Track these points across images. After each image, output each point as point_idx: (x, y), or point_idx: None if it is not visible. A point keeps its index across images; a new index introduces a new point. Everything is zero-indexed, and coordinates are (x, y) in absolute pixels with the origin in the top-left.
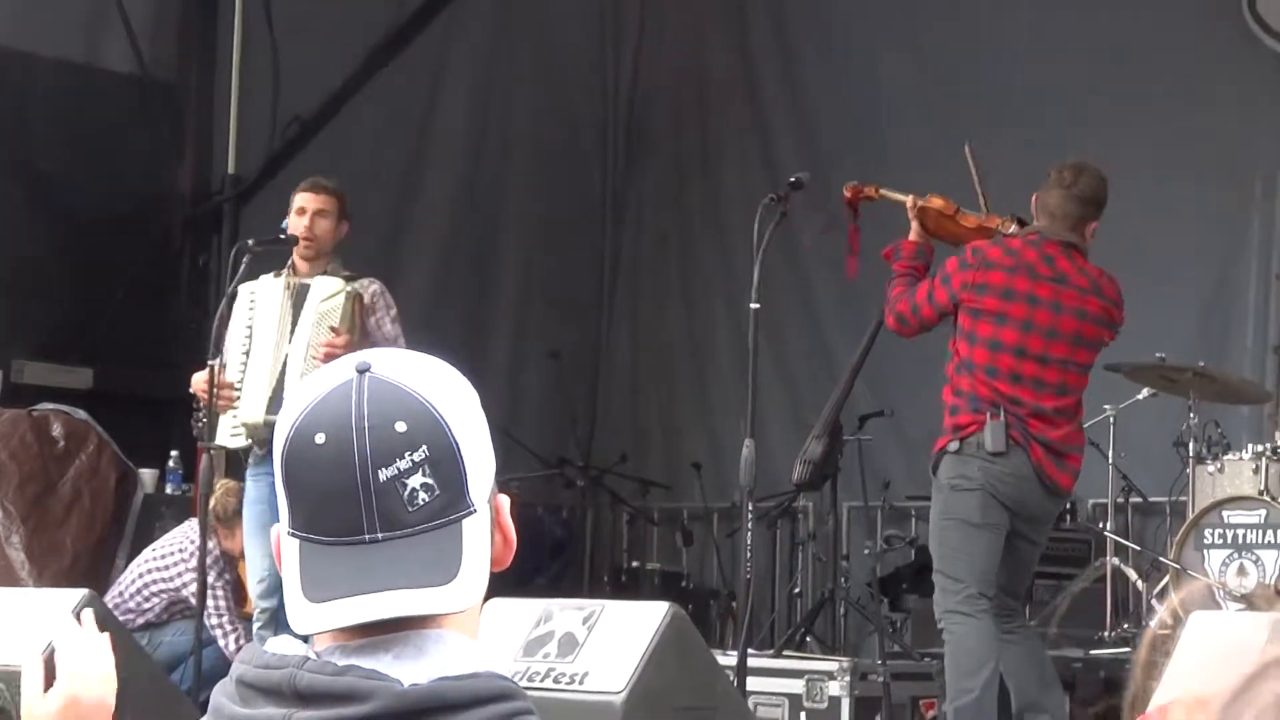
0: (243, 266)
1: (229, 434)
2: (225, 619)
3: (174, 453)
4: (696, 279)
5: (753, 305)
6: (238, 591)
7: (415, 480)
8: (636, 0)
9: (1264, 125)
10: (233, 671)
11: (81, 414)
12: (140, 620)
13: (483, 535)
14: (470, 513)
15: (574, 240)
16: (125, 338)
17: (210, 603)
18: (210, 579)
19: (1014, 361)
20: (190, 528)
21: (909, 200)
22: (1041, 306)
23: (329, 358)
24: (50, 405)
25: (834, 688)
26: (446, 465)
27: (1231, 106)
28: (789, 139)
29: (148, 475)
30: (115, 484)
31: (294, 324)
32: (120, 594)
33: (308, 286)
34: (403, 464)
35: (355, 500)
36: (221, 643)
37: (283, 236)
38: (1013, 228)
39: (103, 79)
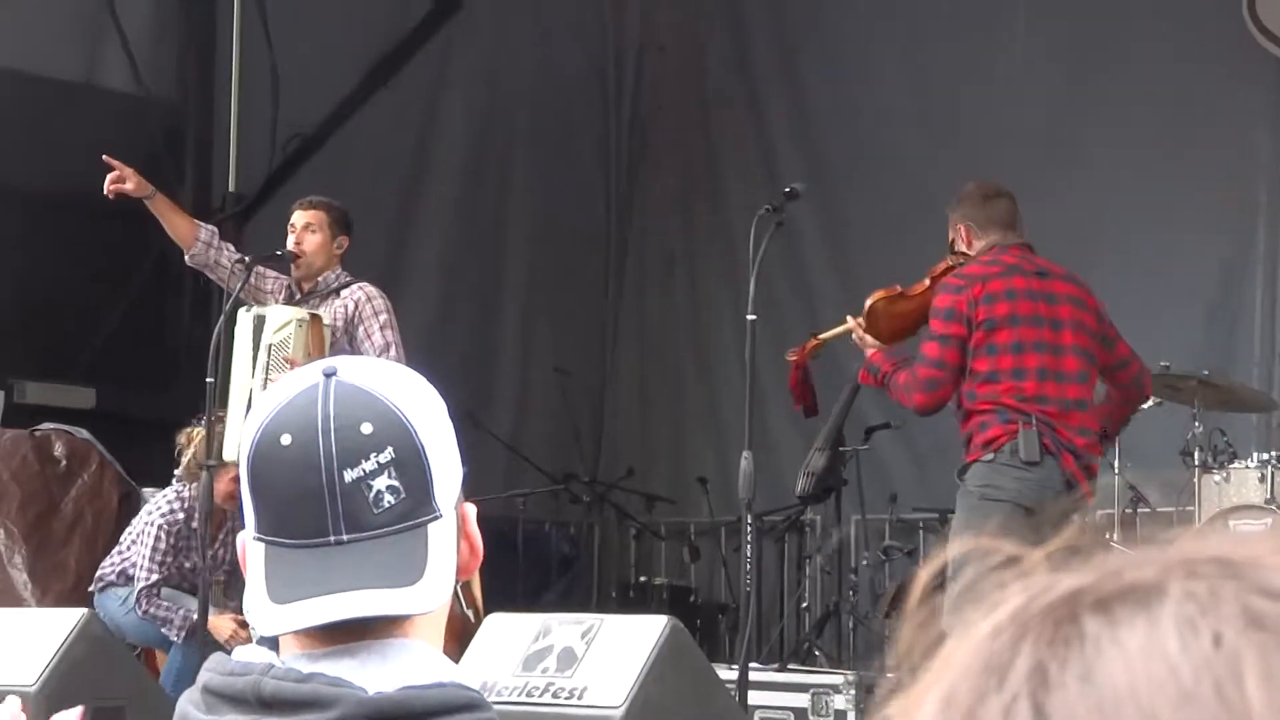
0: (240, 284)
1: None
2: (144, 567)
3: (176, 472)
4: (702, 292)
5: (749, 317)
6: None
7: (381, 482)
8: (637, 16)
9: (1267, 130)
10: (199, 679)
11: (84, 434)
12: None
13: (448, 541)
14: (436, 518)
15: (578, 256)
16: (127, 357)
17: (141, 548)
18: (156, 527)
19: (1039, 357)
20: (153, 503)
21: (851, 325)
22: (1040, 299)
23: None
24: (52, 425)
25: (839, 701)
26: (412, 468)
27: (1234, 112)
28: (792, 153)
29: (150, 495)
30: (117, 504)
31: (255, 357)
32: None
33: (263, 318)
34: (368, 465)
35: (320, 501)
36: (138, 582)
37: (279, 253)
38: (950, 260)
39: (101, 98)
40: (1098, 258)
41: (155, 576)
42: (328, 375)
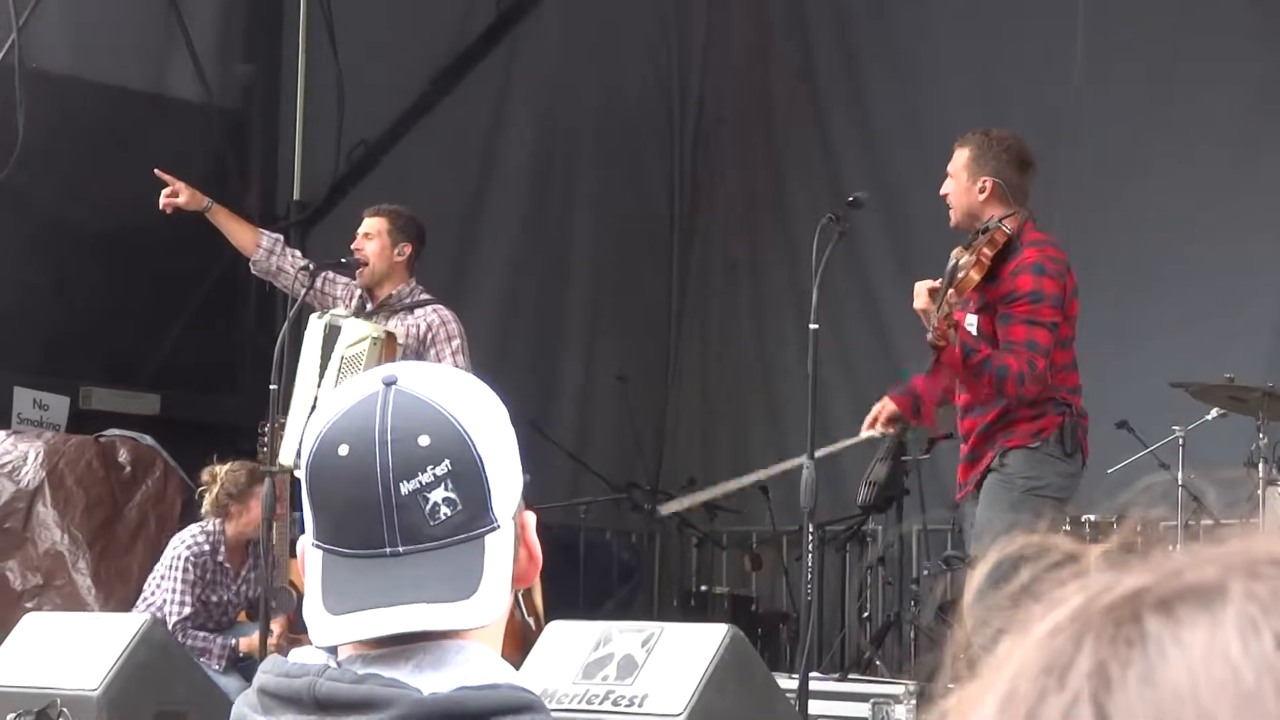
0: (304, 291)
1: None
2: (174, 601)
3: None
4: (766, 301)
5: (811, 326)
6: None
7: (437, 494)
8: (702, 25)
9: None
10: (256, 681)
11: (148, 440)
12: None
13: (506, 551)
14: (493, 528)
15: (642, 264)
16: (192, 364)
17: (169, 584)
18: (183, 560)
19: (1075, 350)
20: (176, 539)
21: (956, 303)
22: None
23: None
24: (117, 431)
25: (900, 711)
26: (469, 480)
27: None
28: (856, 162)
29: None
30: (181, 510)
31: (323, 366)
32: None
33: (339, 329)
34: (425, 477)
35: (376, 513)
36: (170, 616)
37: (342, 260)
38: (1004, 230)
39: (168, 106)
40: (1165, 269)
41: (188, 610)
42: (387, 384)
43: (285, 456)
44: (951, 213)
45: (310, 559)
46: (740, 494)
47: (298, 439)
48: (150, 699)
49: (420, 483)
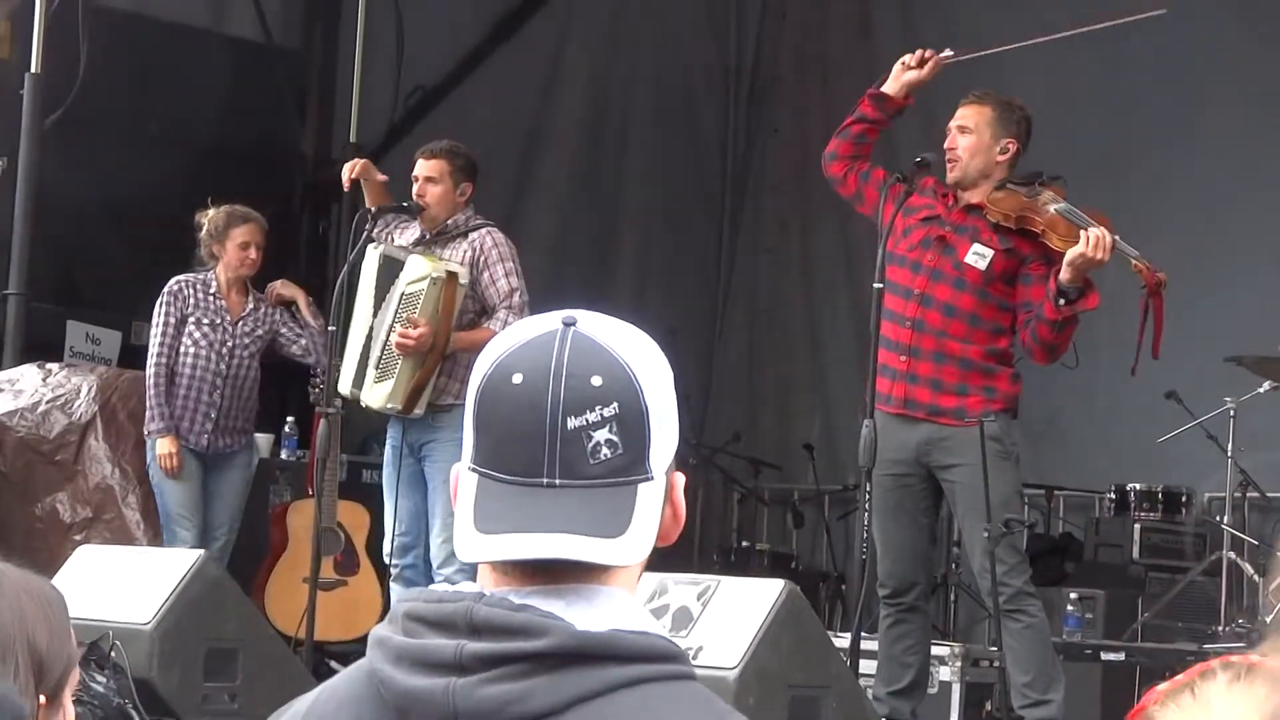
0: (364, 234)
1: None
2: (153, 345)
3: (289, 418)
4: (817, 260)
5: (875, 285)
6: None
7: (601, 435)
8: None
9: None
10: (396, 609)
11: None
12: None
13: (655, 504)
14: (647, 479)
15: (693, 219)
16: None
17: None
18: (162, 304)
19: None
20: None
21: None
22: None
23: (402, 348)
24: None
25: (945, 673)
26: (634, 427)
27: None
28: (912, 125)
29: (263, 440)
30: None
31: (380, 299)
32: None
33: (399, 262)
34: (592, 416)
35: (540, 443)
36: (148, 364)
37: (405, 205)
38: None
39: (228, 45)
40: (1220, 239)
41: (163, 355)
42: (567, 324)
43: (343, 385)
44: (956, 167)
45: (465, 481)
46: (784, 452)
47: (351, 370)
48: (202, 634)
49: (587, 420)
